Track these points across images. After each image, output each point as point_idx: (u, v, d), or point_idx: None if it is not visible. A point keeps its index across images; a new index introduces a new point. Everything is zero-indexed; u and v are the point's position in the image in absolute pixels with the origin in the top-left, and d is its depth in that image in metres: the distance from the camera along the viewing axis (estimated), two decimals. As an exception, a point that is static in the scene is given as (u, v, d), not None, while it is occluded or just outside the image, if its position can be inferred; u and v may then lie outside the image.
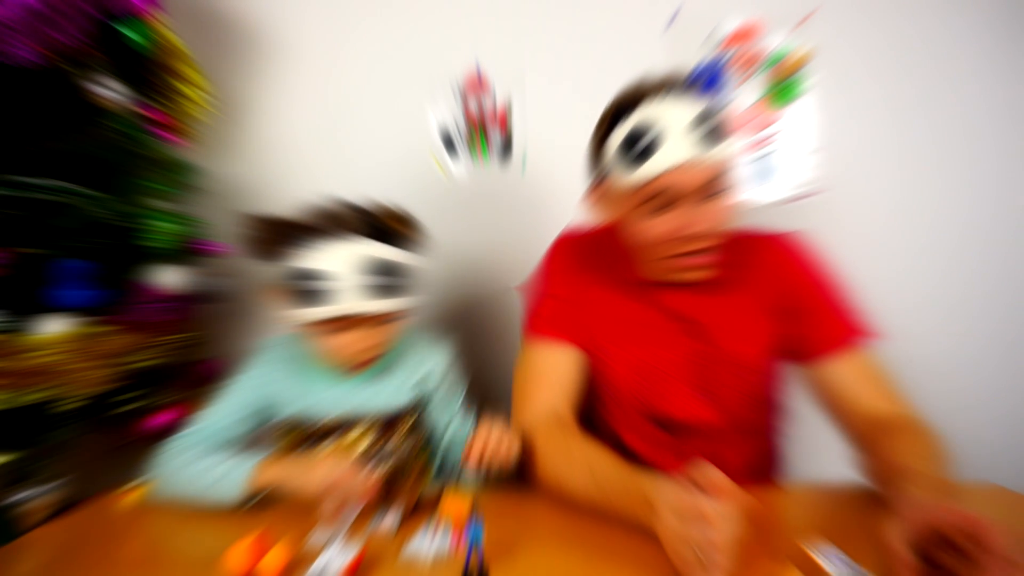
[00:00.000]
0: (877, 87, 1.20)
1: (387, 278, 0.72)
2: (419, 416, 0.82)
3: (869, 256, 1.22)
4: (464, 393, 0.87)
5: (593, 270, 0.83)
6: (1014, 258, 1.22)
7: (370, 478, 0.65)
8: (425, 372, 0.83)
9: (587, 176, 0.79)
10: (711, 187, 0.68)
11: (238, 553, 0.53)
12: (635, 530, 0.57)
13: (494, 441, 0.69)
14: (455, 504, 0.65)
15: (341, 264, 0.69)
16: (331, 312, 0.70)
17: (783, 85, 1.20)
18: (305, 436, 0.78)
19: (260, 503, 0.68)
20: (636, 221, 0.72)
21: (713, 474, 0.53)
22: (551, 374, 0.79)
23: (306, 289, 0.70)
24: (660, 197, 0.68)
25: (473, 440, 0.69)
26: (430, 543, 0.58)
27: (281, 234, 0.72)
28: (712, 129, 0.67)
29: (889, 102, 1.20)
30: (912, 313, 1.22)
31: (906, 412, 0.71)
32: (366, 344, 0.75)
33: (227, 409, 0.77)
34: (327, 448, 0.77)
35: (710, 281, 0.76)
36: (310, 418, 0.78)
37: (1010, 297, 1.22)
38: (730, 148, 0.68)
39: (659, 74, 0.71)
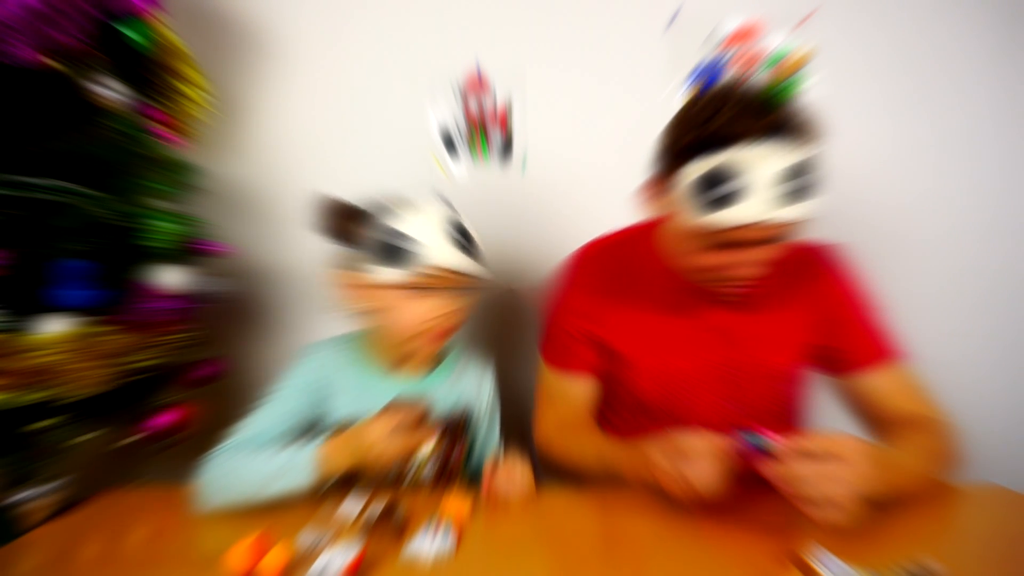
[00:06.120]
0: (878, 86, 1.20)
1: (465, 240, 0.77)
2: (466, 430, 0.85)
3: (868, 255, 1.22)
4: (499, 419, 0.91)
5: (619, 281, 0.82)
6: (1014, 257, 1.22)
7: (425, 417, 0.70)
8: (473, 394, 0.87)
9: (649, 168, 0.74)
10: (775, 237, 0.65)
11: (238, 553, 0.53)
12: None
13: (511, 478, 0.72)
14: (455, 504, 0.65)
15: (425, 227, 0.74)
16: (418, 269, 0.73)
17: (783, 85, 1.20)
18: None
19: (333, 485, 0.70)
20: (687, 246, 0.71)
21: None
22: (564, 401, 0.86)
23: (393, 247, 0.73)
24: (721, 239, 0.66)
25: (492, 474, 0.72)
26: (430, 543, 0.58)
27: (358, 213, 0.77)
28: (800, 187, 0.61)
29: (890, 101, 1.20)
30: (911, 312, 1.22)
31: (931, 414, 0.75)
32: (444, 311, 0.77)
33: (275, 415, 0.76)
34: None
35: (748, 294, 0.75)
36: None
37: (1010, 297, 1.22)
38: (812, 206, 0.62)
39: (759, 99, 0.62)
